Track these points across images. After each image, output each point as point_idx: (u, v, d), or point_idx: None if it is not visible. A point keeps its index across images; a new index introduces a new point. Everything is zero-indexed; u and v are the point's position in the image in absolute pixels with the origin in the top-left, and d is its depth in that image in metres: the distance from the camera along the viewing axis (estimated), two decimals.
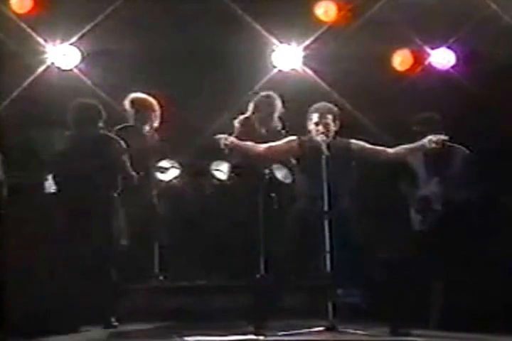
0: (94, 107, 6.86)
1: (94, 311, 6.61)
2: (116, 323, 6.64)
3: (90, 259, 6.54)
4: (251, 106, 7.62)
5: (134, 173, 6.91)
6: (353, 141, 6.45)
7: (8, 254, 6.37)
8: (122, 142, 6.83)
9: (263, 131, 7.59)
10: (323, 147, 6.28)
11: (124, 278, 6.85)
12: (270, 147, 6.47)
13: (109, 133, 6.94)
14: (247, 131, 7.49)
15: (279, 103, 7.57)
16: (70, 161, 6.69)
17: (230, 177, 7.60)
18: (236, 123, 7.59)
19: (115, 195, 6.79)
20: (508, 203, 7.28)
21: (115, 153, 6.78)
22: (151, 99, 7.51)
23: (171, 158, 7.65)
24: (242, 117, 7.61)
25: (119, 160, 6.80)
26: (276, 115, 7.58)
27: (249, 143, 6.49)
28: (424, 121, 7.05)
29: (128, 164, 6.85)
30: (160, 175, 7.58)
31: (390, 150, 6.43)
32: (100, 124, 6.84)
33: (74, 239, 6.56)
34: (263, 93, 7.62)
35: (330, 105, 6.51)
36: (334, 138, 6.44)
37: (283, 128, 7.54)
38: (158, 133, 7.59)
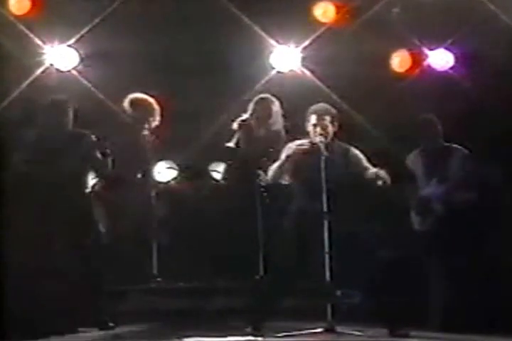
0: (64, 103, 6.84)
1: (90, 312, 6.61)
2: (112, 324, 6.62)
3: (74, 259, 6.53)
4: (249, 108, 7.62)
5: (108, 166, 6.85)
6: (352, 149, 6.43)
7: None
8: (93, 136, 6.78)
9: (261, 132, 7.59)
10: (322, 148, 6.28)
11: (122, 279, 6.85)
12: (280, 167, 6.43)
13: (81, 130, 6.88)
14: (246, 133, 7.49)
15: (275, 106, 7.55)
16: (38, 160, 6.64)
17: (225, 178, 7.61)
18: (235, 125, 7.58)
19: (87, 191, 6.76)
20: (507, 203, 7.27)
21: (87, 149, 6.73)
22: (150, 99, 7.52)
23: (169, 159, 7.66)
24: (240, 119, 7.61)
25: (92, 155, 6.74)
26: (274, 117, 7.57)
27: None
28: (422, 123, 7.06)
29: (100, 158, 6.80)
30: (158, 176, 7.59)
31: (368, 172, 6.39)
32: (70, 120, 6.80)
33: (54, 240, 6.53)
34: (260, 95, 7.62)
35: (328, 106, 6.51)
36: (333, 140, 6.44)
37: (286, 131, 7.52)
38: (156, 134, 7.60)
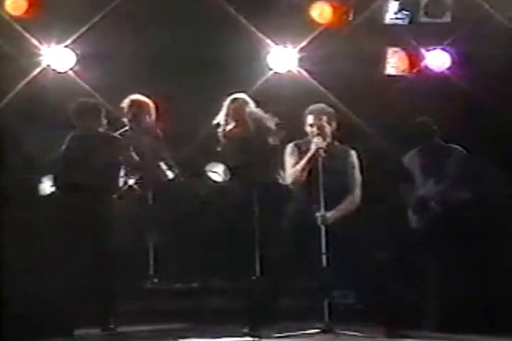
0: (96, 106, 6.88)
1: (92, 314, 6.60)
2: (112, 326, 6.61)
3: (91, 262, 6.54)
4: (223, 109, 7.62)
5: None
6: (352, 153, 6.43)
7: (4, 256, 6.35)
8: (123, 140, 6.82)
9: (243, 134, 7.57)
10: (320, 149, 6.28)
11: (119, 280, 6.84)
12: (295, 168, 6.39)
13: (110, 132, 6.94)
14: (230, 139, 7.51)
15: (249, 105, 7.54)
16: (73, 162, 6.66)
17: (226, 179, 7.60)
18: (219, 134, 7.60)
19: (115, 196, 6.78)
20: (504, 202, 7.29)
21: (117, 152, 6.77)
22: (148, 100, 7.54)
23: (167, 159, 7.66)
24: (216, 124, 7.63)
25: (121, 158, 6.79)
26: (250, 115, 7.54)
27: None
28: (418, 125, 7.08)
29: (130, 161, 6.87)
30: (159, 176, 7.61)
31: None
32: (103, 123, 6.84)
33: (74, 240, 6.54)
34: (232, 96, 7.61)
35: (325, 106, 6.51)
36: (333, 140, 6.43)
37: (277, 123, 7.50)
38: (154, 134, 7.60)
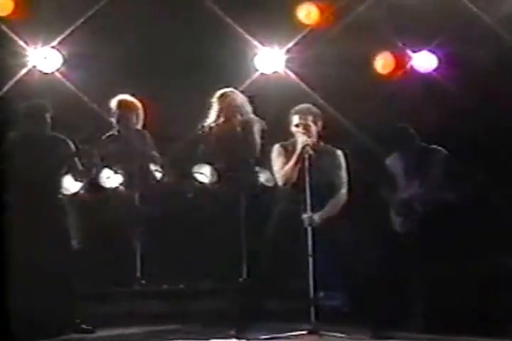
0: (43, 107, 6.82)
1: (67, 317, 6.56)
2: (90, 328, 6.57)
3: (46, 264, 6.43)
4: (214, 106, 7.60)
5: (83, 173, 6.85)
6: (338, 154, 6.43)
7: None
8: (71, 143, 6.76)
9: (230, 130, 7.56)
10: (307, 146, 6.27)
11: (106, 282, 6.83)
12: (284, 169, 6.38)
13: (58, 134, 6.86)
14: (216, 135, 7.50)
15: (238, 97, 7.53)
16: (16, 162, 6.53)
17: (212, 180, 7.59)
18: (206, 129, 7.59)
19: (61, 196, 6.73)
20: (489, 203, 7.31)
21: (64, 155, 6.72)
22: (135, 101, 7.54)
23: (155, 160, 7.65)
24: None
25: (69, 162, 6.73)
26: (242, 108, 7.53)
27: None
28: (397, 131, 7.10)
29: (78, 166, 6.79)
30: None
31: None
32: (48, 123, 6.77)
33: (26, 243, 6.43)
34: (219, 92, 7.58)
35: (310, 106, 6.50)
36: (319, 140, 6.43)
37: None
38: (142, 135, 7.59)
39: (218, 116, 7.58)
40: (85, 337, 6.49)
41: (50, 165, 6.64)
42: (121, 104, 7.55)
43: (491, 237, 6.91)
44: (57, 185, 6.77)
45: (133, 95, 7.58)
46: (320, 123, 6.46)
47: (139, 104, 7.57)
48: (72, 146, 6.77)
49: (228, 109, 7.52)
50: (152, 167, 7.62)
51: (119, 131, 7.59)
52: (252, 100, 7.65)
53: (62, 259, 6.52)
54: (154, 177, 7.65)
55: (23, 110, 6.81)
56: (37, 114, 6.78)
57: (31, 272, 6.30)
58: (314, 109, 6.48)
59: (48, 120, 6.80)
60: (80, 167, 6.81)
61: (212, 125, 7.60)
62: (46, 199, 6.60)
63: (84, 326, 6.54)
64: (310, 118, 6.41)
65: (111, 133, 7.57)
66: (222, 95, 7.57)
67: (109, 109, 7.57)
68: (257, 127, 7.48)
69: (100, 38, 7.72)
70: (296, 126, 6.41)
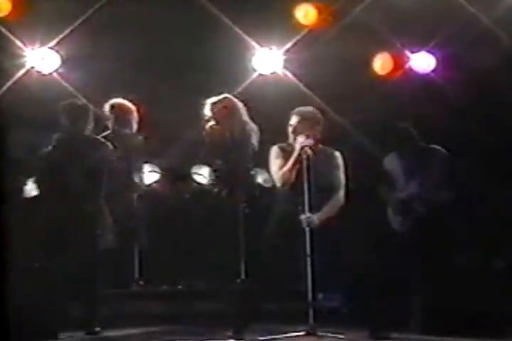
0: (86, 108, 6.81)
1: (77, 317, 6.57)
2: (98, 329, 6.59)
3: (74, 266, 6.47)
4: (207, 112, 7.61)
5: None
6: (337, 155, 6.42)
7: None
8: (111, 146, 6.78)
9: (227, 134, 7.56)
10: (306, 147, 6.26)
11: (105, 283, 6.82)
12: (282, 170, 6.36)
13: (100, 137, 6.89)
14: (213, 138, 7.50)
15: (234, 104, 7.54)
16: (57, 164, 6.59)
17: (210, 181, 7.59)
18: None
19: (101, 201, 6.71)
20: (489, 203, 7.31)
21: (105, 158, 6.71)
22: (129, 104, 7.51)
23: (151, 162, 7.64)
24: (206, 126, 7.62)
25: (108, 165, 6.72)
26: (237, 115, 7.54)
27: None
28: (397, 131, 7.10)
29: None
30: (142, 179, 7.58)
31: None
32: (90, 127, 6.78)
33: (56, 245, 6.49)
34: (213, 99, 7.60)
35: (309, 108, 6.50)
36: (317, 143, 6.42)
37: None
38: (138, 137, 7.59)
39: (215, 119, 7.58)
40: (85, 338, 6.48)
41: (91, 168, 6.60)
42: (116, 106, 7.52)
43: (490, 237, 6.90)
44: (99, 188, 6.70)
45: (130, 96, 7.54)
46: (319, 126, 6.45)
47: (134, 106, 7.54)
48: (112, 149, 6.76)
49: (224, 111, 7.52)
50: (148, 168, 7.61)
51: (113, 132, 7.55)
52: (249, 101, 7.64)
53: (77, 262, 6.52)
54: (151, 179, 7.66)
55: (66, 108, 6.76)
56: (81, 114, 6.73)
57: (31, 272, 6.33)
58: (311, 110, 6.47)
59: (92, 122, 6.78)
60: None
61: (210, 127, 7.59)
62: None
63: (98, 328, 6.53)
64: (308, 119, 6.40)
65: (105, 133, 7.52)
66: (218, 99, 7.57)
67: (105, 111, 7.53)
68: (254, 129, 7.48)
69: (98, 38, 7.71)
70: (295, 127, 6.40)
